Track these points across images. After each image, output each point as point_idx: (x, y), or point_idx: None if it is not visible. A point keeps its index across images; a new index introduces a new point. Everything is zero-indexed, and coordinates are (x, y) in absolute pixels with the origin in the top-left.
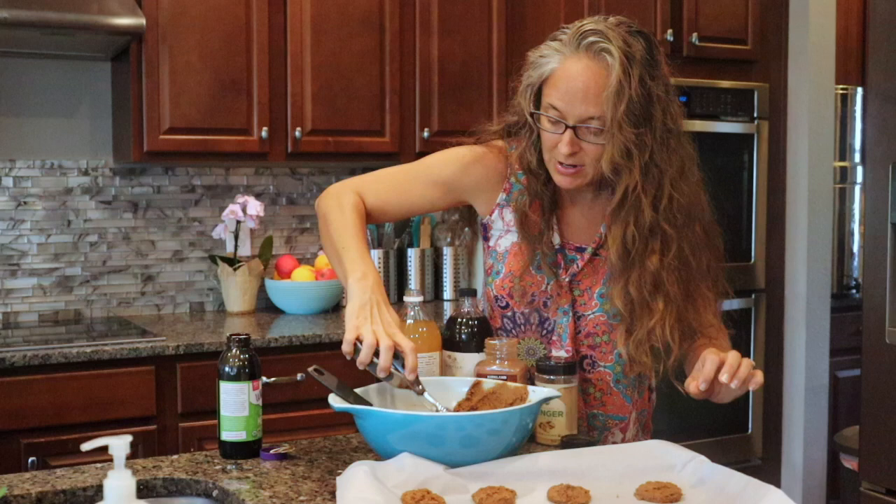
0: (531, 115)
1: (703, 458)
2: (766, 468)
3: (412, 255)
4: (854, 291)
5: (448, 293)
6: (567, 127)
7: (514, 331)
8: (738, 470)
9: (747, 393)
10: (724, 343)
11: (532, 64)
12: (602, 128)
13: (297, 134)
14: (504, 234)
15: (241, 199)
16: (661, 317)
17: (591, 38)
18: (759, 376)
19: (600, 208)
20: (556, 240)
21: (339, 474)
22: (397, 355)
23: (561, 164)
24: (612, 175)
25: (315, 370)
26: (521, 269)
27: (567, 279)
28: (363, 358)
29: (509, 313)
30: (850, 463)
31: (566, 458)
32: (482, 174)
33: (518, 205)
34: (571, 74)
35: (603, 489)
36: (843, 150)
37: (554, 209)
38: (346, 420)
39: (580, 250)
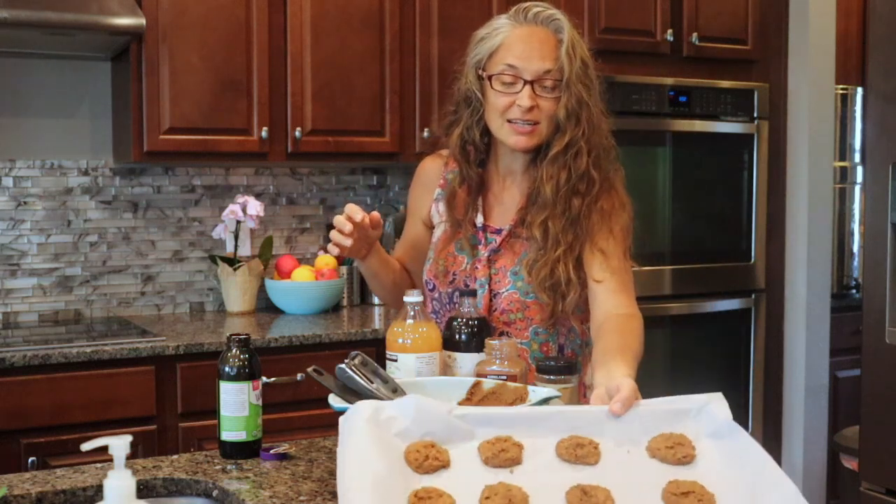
0: (489, 78)
1: (718, 400)
2: None
3: None
4: (854, 291)
5: None
6: (525, 82)
7: (441, 311)
8: None
9: (747, 392)
10: (630, 341)
11: (480, 41)
12: (558, 80)
13: (297, 134)
14: (439, 225)
15: (241, 199)
16: (567, 250)
17: (537, 10)
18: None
19: (523, 192)
20: (480, 220)
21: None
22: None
23: (518, 123)
24: (558, 130)
25: (315, 370)
26: (445, 250)
27: (486, 255)
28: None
29: (436, 295)
30: (850, 463)
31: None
32: (422, 181)
33: (448, 187)
34: (526, 36)
35: (613, 444)
36: (843, 150)
37: (480, 191)
38: None
39: (498, 232)
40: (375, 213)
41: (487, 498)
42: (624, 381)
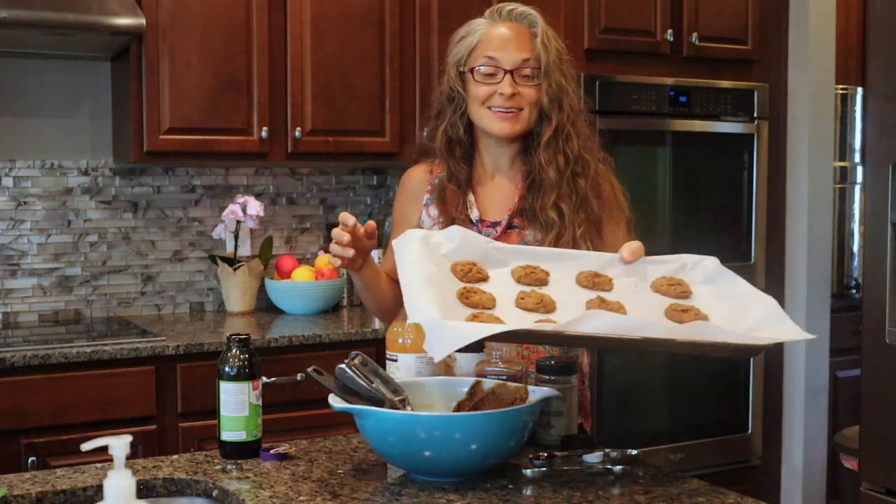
0: (470, 70)
1: (712, 258)
2: (766, 468)
3: None
4: (854, 291)
5: None
6: (505, 72)
7: None
8: (738, 470)
9: (747, 392)
10: None
11: (459, 40)
12: (536, 69)
13: (297, 134)
14: (432, 228)
15: (241, 199)
16: (585, 229)
17: (511, 7)
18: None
19: (514, 184)
20: (475, 215)
21: (340, 473)
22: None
23: (501, 110)
24: (544, 117)
25: (315, 370)
26: None
27: None
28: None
29: None
30: (850, 463)
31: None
32: (409, 190)
33: (437, 187)
34: (502, 31)
35: (624, 279)
36: (843, 150)
37: (470, 186)
38: (346, 420)
39: (495, 225)
40: (371, 222)
41: (522, 298)
42: (635, 241)
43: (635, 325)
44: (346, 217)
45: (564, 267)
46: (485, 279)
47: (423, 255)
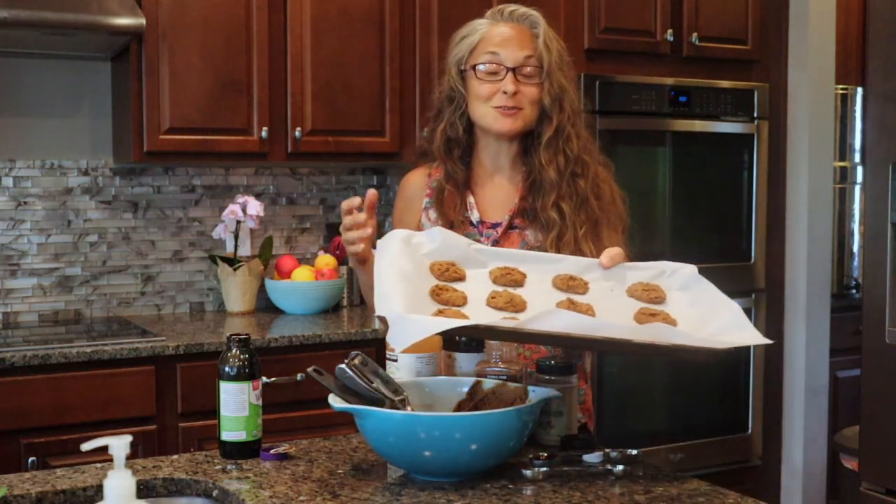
0: (472, 68)
1: (690, 266)
2: (766, 468)
3: None
4: (854, 291)
5: None
6: (507, 69)
7: None
8: (738, 470)
9: (747, 392)
10: None
11: (460, 39)
12: (538, 67)
13: (297, 134)
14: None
15: (241, 199)
16: (587, 229)
17: (512, 8)
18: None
19: (514, 185)
20: (476, 216)
21: (340, 473)
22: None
23: (502, 108)
24: (544, 117)
25: (315, 370)
26: None
27: (489, 245)
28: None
29: None
30: (850, 463)
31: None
32: (408, 195)
33: (436, 189)
34: (504, 30)
35: (599, 283)
36: (843, 150)
37: (469, 188)
38: (346, 420)
39: (496, 226)
40: (372, 191)
41: (493, 298)
42: (615, 247)
43: (594, 324)
44: (350, 201)
45: (542, 269)
46: (461, 278)
47: (401, 254)
